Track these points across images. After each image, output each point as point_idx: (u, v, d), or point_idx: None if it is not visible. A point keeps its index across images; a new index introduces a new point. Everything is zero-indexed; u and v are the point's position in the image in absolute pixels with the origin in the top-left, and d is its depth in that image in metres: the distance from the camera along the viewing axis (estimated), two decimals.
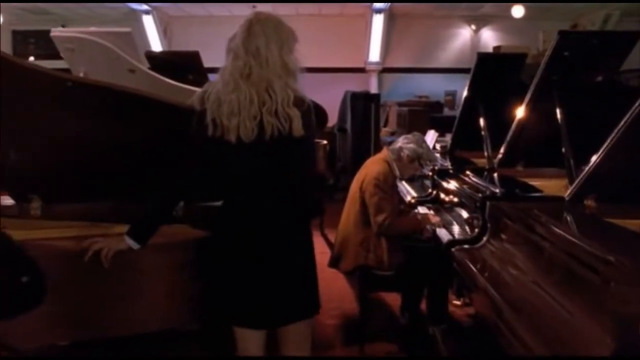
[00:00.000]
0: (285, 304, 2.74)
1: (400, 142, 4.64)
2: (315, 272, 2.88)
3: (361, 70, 13.82)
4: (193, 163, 2.69)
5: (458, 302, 5.08)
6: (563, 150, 3.85)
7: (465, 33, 13.91)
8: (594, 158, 3.15)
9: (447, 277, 4.27)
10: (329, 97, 9.66)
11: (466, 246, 3.66)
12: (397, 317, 5.08)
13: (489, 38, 13.69)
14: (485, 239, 3.58)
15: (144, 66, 4.14)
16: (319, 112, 7.27)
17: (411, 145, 4.56)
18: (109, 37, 3.79)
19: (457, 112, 10.46)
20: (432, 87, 13.19)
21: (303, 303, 2.82)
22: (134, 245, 2.63)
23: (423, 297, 4.75)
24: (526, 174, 4.63)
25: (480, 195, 3.88)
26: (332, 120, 10.47)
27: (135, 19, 12.98)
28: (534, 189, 4.03)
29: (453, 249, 3.67)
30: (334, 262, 4.62)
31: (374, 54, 13.74)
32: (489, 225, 3.61)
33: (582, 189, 3.26)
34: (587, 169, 3.20)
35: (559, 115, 3.96)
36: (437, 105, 11.91)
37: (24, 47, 13.10)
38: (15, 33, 12.92)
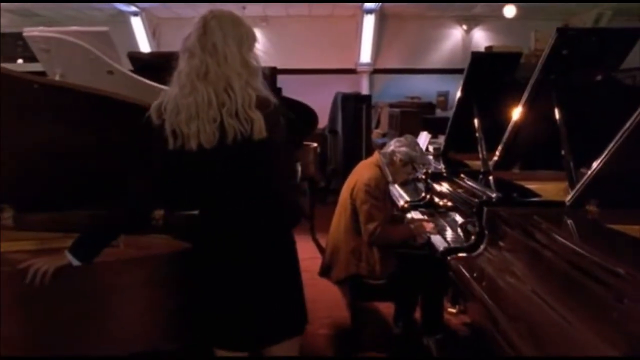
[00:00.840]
0: (267, 323, 2.54)
1: (393, 145, 4.48)
2: (300, 284, 2.69)
3: (352, 71, 13.69)
4: (149, 182, 2.50)
5: (453, 310, 4.92)
6: (562, 152, 3.68)
7: (456, 33, 13.81)
8: (596, 162, 3.00)
9: (442, 285, 4.13)
10: (320, 98, 9.61)
11: (463, 254, 3.49)
12: (390, 326, 4.91)
13: (481, 38, 13.57)
14: (482, 247, 3.42)
15: (124, 67, 3.95)
16: (309, 114, 7.18)
17: (404, 149, 4.40)
18: (85, 37, 3.61)
19: (450, 113, 10.43)
20: (424, 88, 13.03)
21: (288, 320, 2.61)
22: (74, 262, 2.41)
23: (417, 305, 4.58)
24: (522, 176, 4.48)
25: (476, 200, 3.71)
26: (323, 122, 10.44)
27: (123, 20, 12.81)
28: (532, 193, 3.87)
29: (449, 258, 3.50)
30: (325, 271, 4.46)
31: (365, 55, 13.59)
32: (486, 232, 3.44)
33: (584, 193, 3.11)
34: (589, 173, 3.05)
35: (557, 116, 3.79)
36: (429, 107, 11.75)
37: (11, 49, 12.89)
38: (2, 35, 12.72)
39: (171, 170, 2.46)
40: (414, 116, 10.29)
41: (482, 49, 12.49)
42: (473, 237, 3.59)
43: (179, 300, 2.56)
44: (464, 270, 3.31)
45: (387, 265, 4.20)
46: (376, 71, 13.86)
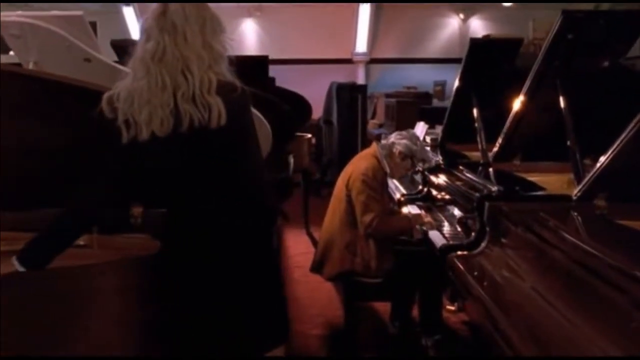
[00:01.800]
0: (242, 336, 2.31)
1: (393, 137, 4.27)
2: (279, 290, 2.50)
3: (348, 61, 13.39)
4: (102, 181, 2.29)
5: (452, 307, 4.71)
6: (568, 143, 3.48)
7: (453, 22, 13.55)
8: (606, 155, 2.80)
9: (441, 283, 3.94)
10: (315, 89, 9.55)
11: (462, 252, 3.29)
12: (386, 326, 4.70)
13: (478, 27, 13.34)
14: (483, 244, 3.22)
15: (109, 57, 3.73)
16: (302, 105, 7.02)
17: (404, 142, 4.19)
18: (57, 21, 3.38)
19: (447, 103, 10.26)
20: (421, 77, 12.71)
21: (264, 332, 2.38)
22: (20, 269, 2.18)
23: (414, 304, 4.39)
24: (523, 168, 4.30)
25: (477, 194, 3.51)
26: (318, 112, 10.16)
27: (115, 10, 12.56)
28: (536, 186, 3.67)
29: (448, 256, 3.29)
30: (317, 267, 4.25)
31: (361, 44, 13.28)
32: (487, 229, 3.24)
33: (592, 187, 2.92)
34: (598, 166, 2.85)
35: (562, 105, 3.59)
36: (425, 96, 11.49)
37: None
38: None
39: (128, 165, 2.24)
40: (411, 106, 10.05)
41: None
42: (473, 234, 3.39)
43: (157, 307, 2.33)
44: (463, 269, 3.12)
45: (383, 262, 4.00)
46: (372, 61, 13.56)
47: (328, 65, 12.78)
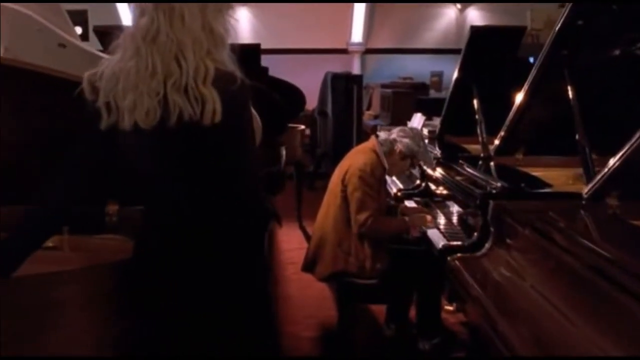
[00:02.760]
0: (224, 354, 2.08)
1: (395, 133, 4.04)
2: (269, 307, 2.28)
3: (343, 51, 13.27)
4: (76, 175, 2.04)
5: (450, 307, 4.52)
6: (576, 137, 3.27)
7: (450, 13, 13.44)
8: (621, 152, 2.58)
9: (440, 283, 3.74)
10: (309, 79, 9.33)
11: (464, 254, 3.08)
12: (382, 328, 4.47)
13: (475, 17, 13.18)
14: (487, 245, 3.01)
15: (79, 41, 3.49)
16: (295, 94, 6.81)
17: (407, 140, 3.97)
18: (28, 5, 3.14)
19: (444, 94, 10.14)
20: (417, 68, 12.60)
21: (248, 352, 2.13)
22: None
23: (412, 305, 4.18)
24: (526, 162, 4.10)
25: (480, 191, 3.29)
26: (313, 103, 10.01)
27: None
28: (541, 183, 3.46)
29: (449, 258, 3.08)
30: (309, 266, 4.04)
31: (357, 34, 13.17)
32: (491, 229, 3.02)
33: (604, 185, 2.71)
34: (612, 164, 2.63)
35: (570, 97, 3.38)
36: (422, 87, 11.30)
37: None
38: None
39: (104, 154, 2.01)
40: (407, 97, 9.85)
41: None
42: (476, 234, 3.18)
43: (129, 321, 2.09)
44: (466, 273, 2.90)
45: (379, 262, 3.79)
46: (368, 51, 13.43)
47: (323, 55, 12.64)
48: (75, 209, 2.18)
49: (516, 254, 2.75)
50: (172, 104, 1.86)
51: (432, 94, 11.25)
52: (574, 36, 3.36)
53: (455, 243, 3.36)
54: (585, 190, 2.82)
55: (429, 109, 7.16)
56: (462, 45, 5.01)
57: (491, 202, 3.03)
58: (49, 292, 2.01)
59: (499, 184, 3.30)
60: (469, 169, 3.92)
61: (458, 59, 4.99)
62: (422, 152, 4.04)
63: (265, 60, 6.63)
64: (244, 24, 12.50)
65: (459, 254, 3.10)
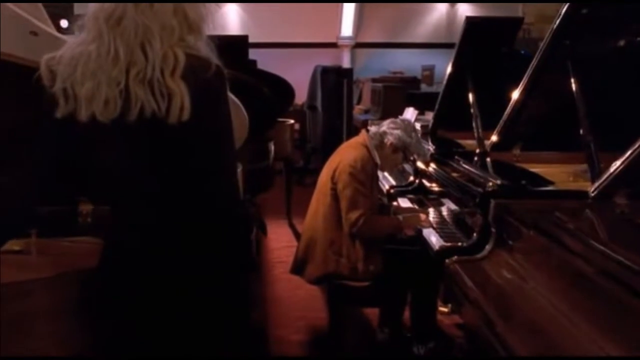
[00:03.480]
0: None
1: (386, 126, 3.85)
2: (245, 330, 2.02)
3: (333, 45, 13.20)
4: (30, 170, 1.81)
5: (445, 309, 4.30)
6: (581, 132, 3.09)
7: (441, 7, 13.43)
8: (631, 149, 2.42)
9: (436, 285, 3.56)
10: (299, 73, 9.23)
11: (463, 257, 2.90)
12: (375, 332, 4.28)
13: (466, 12, 13.05)
14: (488, 247, 2.83)
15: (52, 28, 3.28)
16: (284, 88, 6.63)
17: (398, 132, 3.78)
18: None
19: (435, 89, 10.04)
20: (407, 62, 12.57)
21: None
22: None
23: (406, 307, 4.00)
24: (524, 158, 3.91)
25: (480, 189, 3.11)
26: (302, 97, 9.91)
27: None
28: (543, 180, 3.28)
29: (447, 261, 2.90)
30: (298, 268, 3.85)
31: (347, 28, 13.12)
32: (493, 230, 2.85)
33: (612, 184, 2.54)
34: (622, 160, 2.46)
35: (573, 89, 3.19)
36: (413, 81, 11.19)
37: None
38: None
39: (61, 146, 1.78)
40: (398, 91, 9.71)
41: None
42: (475, 234, 3.01)
43: (95, 337, 1.90)
44: (464, 276, 2.72)
45: (372, 263, 3.61)
46: (358, 45, 13.38)
47: (312, 49, 12.53)
48: (43, 209, 1.99)
49: (520, 256, 2.58)
50: (133, 96, 1.65)
51: (424, 88, 11.14)
52: (578, 25, 3.18)
53: (453, 244, 3.17)
54: (592, 188, 2.67)
55: (421, 104, 7.08)
56: (454, 40, 4.85)
57: (492, 201, 2.86)
58: (14, 303, 1.83)
59: (498, 182, 3.12)
60: (465, 166, 3.74)
61: (449, 53, 4.84)
62: (415, 143, 3.85)
63: (254, 54, 6.53)
64: (232, 18, 12.37)
65: (457, 256, 2.91)
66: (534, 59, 3.53)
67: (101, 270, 1.85)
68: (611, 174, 2.54)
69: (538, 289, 2.33)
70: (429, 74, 11.44)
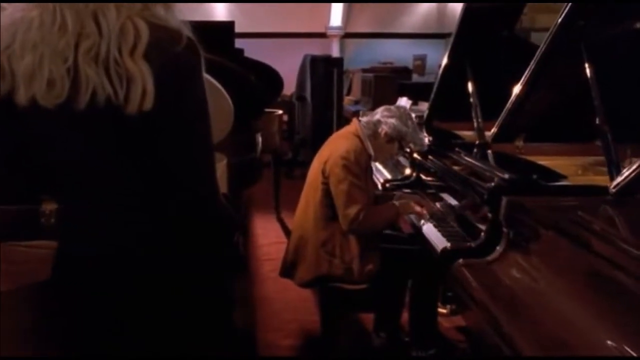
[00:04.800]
0: None
1: (379, 114, 3.56)
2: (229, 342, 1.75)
3: (322, 35, 13.19)
4: None
5: (444, 310, 4.09)
6: (597, 121, 2.84)
7: None
8: None
9: (436, 287, 3.31)
10: (286, 64, 8.91)
11: (472, 260, 2.64)
12: (370, 337, 4.00)
13: (457, 4, 12.89)
14: (499, 249, 2.56)
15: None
16: (273, 77, 6.37)
17: (393, 121, 3.49)
18: None
19: (428, 78, 9.89)
20: (397, 53, 12.54)
21: None
22: None
23: (403, 309, 3.74)
24: (528, 150, 3.67)
25: (489, 185, 2.85)
26: (290, 88, 9.74)
27: None
28: (554, 174, 3.03)
29: (454, 265, 2.63)
30: (287, 270, 3.57)
31: (336, 18, 13.10)
32: (504, 230, 2.58)
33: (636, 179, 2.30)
34: None
35: (588, 75, 2.94)
36: (405, 71, 11.01)
37: None
38: None
39: (3, 136, 1.45)
40: (390, 81, 9.55)
41: (457, 12, 11.79)
42: (483, 235, 2.74)
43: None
44: (473, 281, 2.46)
45: (368, 263, 3.33)
46: (347, 35, 13.36)
47: (300, 39, 12.55)
48: None
49: (536, 260, 2.32)
50: (83, 77, 1.33)
51: (416, 78, 11.02)
52: (594, 3, 2.93)
53: (459, 246, 2.90)
54: (612, 184, 2.41)
55: (413, 94, 6.98)
56: (444, 30, 4.63)
57: (504, 199, 2.59)
58: None
59: (506, 176, 2.85)
60: (467, 158, 3.48)
61: (439, 43, 4.69)
62: (411, 132, 3.56)
63: (240, 44, 6.34)
64: (219, 6, 12.16)
65: (464, 259, 2.64)
66: (542, 43, 3.27)
67: (52, 284, 1.55)
68: (635, 169, 2.29)
69: (559, 297, 2.08)
70: (421, 63, 11.29)
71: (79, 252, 1.50)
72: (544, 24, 9.27)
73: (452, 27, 11.73)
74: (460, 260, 2.61)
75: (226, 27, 5.73)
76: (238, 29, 5.95)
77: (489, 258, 2.56)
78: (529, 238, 2.41)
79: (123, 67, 1.32)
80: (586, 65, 2.96)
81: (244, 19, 11.17)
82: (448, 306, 4.12)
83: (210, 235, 1.56)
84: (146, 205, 1.47)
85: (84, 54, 1.33)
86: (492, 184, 2.82)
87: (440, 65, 8.57)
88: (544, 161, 3.40)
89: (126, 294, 1.49)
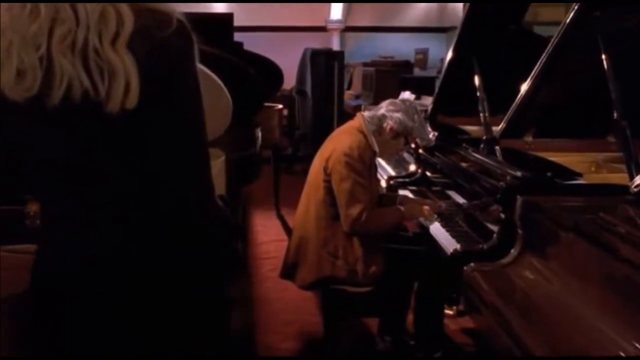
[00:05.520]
0: None
1: (384, 108, 3.39)
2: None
3: (322, 29, 13.22)
4: None
5: (450, 312, 3.95)
6: (615, 115, 2.69)
7: None
8: None
9: (443, 289, 3.18)
10: (287, 58, 8.92)
11: (484, 264, 2.49)
12: (374, 340, 3.84)
13: None
14: (514, 252, 2.42)
15: None
16: (273, 70, 6.24)
17: (398, 115, 3.32)
18: None
19: (430, 72, 9.81)
20: (398, 46, 12.50)
21: None
22: None
23: (408, 311, 3.59)
24: (537, 146, 3.52)
25: (502, 183, 2.70)
26: (290, 82, 9.57)
27: None
28: (570, 172, 2.88)
29: (466, 268, 2.48)
30: (288, 272, 3.42)
31: (336, 11, 13.13)
32: (520, 231, 2.44)
33: None
34: None
35: (605, 68, 2.80)
36: (406, 65, 10.88)
37: None
38: None
39: None
40: (391, 75, 9.46)
41: (459, 6, 11.82)
42: (496, 236, 2.60)
43: None
44: (486, 286, 2.32)
45: (373, 264, 3.19)
46: (348, 29, 13.36)
47: (300, 33, 12.54)
48: None
49: (555, 264, 2.18)
50: (57, 69, 1.17)
51: (417, 72, 10.98)
52: None
53: (470, 248, 2.76)
54: (634, 183, 2.27)
55: (415, 88, 6.96)
56: (445, 24, 4.52)
57: (519, 198, 2.44)
58: None
59: (519, 174, 2.70)
60: (476, 154, 3.34)
61: (440, 37, 4.59)
62: (418, 127, 3.38)
63: (239, 38, 6.23)
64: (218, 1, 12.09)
65: (477, 263, 2.50)
66: (555, 36, 3.13)
67: (31, 293, 1.40)
68: None
69: (580, 303, 1.95)
70: (423, 57, 11.21)
71: (62, 254, 1.36)
72: (546, 17, 9.18)
73: (453, 21, 11.72)
74: (472, 264, 2.47)
75: (225, 20, 5.58)
76: (237, 22, 5.86)
77: (504, 261, 2.42)
78: (546, 240, 2.26)
79: (104, 58, 1.17)
80: (603, 57, 2.81)
81: (243, 13, 11.09)
82: (454, 307, 3.98)
83: (204, 239, 1.40)
84: (138, 204, 1.32)
85: (58, 41, 1.16)
86: (505, 182, 2.67)
87: (442, 60, 8.50)
88: (554, 158, 3.26)
89: (112, 296, 1.34)
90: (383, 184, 4.21)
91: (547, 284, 2.16)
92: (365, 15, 13.19)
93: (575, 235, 2.07)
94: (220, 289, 1.56)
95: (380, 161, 4.59)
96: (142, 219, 1.32)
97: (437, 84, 5.73)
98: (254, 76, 4.80)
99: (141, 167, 1.28)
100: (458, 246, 2.82)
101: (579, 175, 2.83)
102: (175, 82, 1.25)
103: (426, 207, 3.32)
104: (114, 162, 1.27)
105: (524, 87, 3.44)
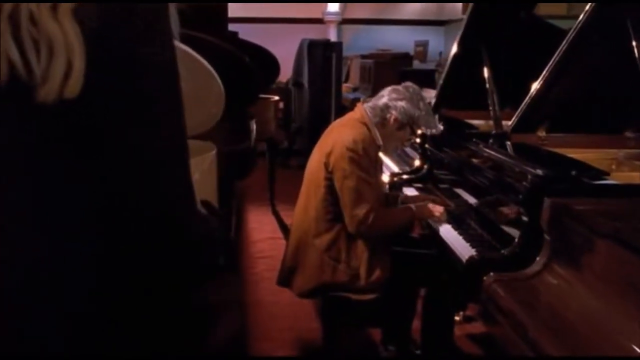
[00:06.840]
0: None
1: (387, 96, 3.13)
2: None
3: (319, 21, 12.96)
4: None
5: (457, 317, 3.71)
6: None
7: None
8: None
9: (453, 297, 2.95)
10: (283, 49, 8.70)
11: (506, 274, 2.24)
12: (378, 350, 3.61)
13: None
14: (541, 261, 2.16)
15: None
16: (269, 60, 6.03)
17: (402, 104, 3.06)
18: None
19: (429, 65, 9.65)
20: (396, 39, 12.30)
21: None
22: None
23: (414, 319, 3.35)
24: (551, 142, 3.30)
25: (525, 184, 2.44)
26: (287, 74, 9.47)
27: None
28: (596, 171, 2.64)
29: (486, 279, 2.23)
30: (285, 278, 3.17)
31: (333, 3, 12.88)
32: (547, 238, 2.18)
33: None
34: None
35: (637, 55, 2.57)
36: (405, 58, 10.69)
37: None
38: None
39: None
40: (390, 68, 9.28)
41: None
42: (517, 242, 2.35)
43: None
44: (510, 301, 2.07)
45: (377, 269, 2.94)
46: (345, 21, 13.15)
47: (297, 25, 12.37)
48: None
49: (589, 275, 1.93)
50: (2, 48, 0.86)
51: (417, 65, 10.76)
52: None
53: (488, 254, 2.50)
54: None
55: (415, 81, 6.53)
56: (444, 17, 4.31)
57: (547, 200, 2.18)
58: None
59: (540, 172, 2.45)
60: (489, 150, 3.10)
61: (439, 30, 4.36)
62: (424, 116, 3.12)
63: (234, 29, 6.02)
64: None
65: (497, 272, 2.24)
66: (576, 23, 2.90)
67: None
68: None
69: (617, 319, 1.71)
70: (422, 50, 11.00)
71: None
72: (544, 11, 9.00)
73: (452, 14, 11.55)
74: (492, 274, 2.21)
75: (218, 7, 5.37)
76: (232, 13, 5.67)
77: (528, 271, 2.17)
78: (579, 248, 2.01)
79: (41, 28, 0.87)
80: (634, 43, 2.57)
81: (239, 4, 10.92)
82: (461, 313, 3.76)
83: (182, 260, 1.10)
84: (93, 223, 0.98)
85: (7, 17, 0.86)
86: (528, 182, 2.42)
87: (441, 53, 8.28)
88: (571, 154, 3.03)
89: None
90: (386, 180, 3.95)
91: (579, 298, 1.92)
92: (363, 7, 13.00)
93: (614, 243, 1.83)
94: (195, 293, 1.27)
95: (382, 156, 4.34)
96: (103, 236, 0.99)
97: (437, 77, 5.55)
98: (248, 64, 4.57)
99: (89, 173, 0.96)
100: (474, 252, 2.56)
101: (605, 174, 2.58)
102: (140, 59, 0.93)
103: (438, 209, 3.09)
104: (60, 165, 0.96)
105: (539, 80, 3.23)
